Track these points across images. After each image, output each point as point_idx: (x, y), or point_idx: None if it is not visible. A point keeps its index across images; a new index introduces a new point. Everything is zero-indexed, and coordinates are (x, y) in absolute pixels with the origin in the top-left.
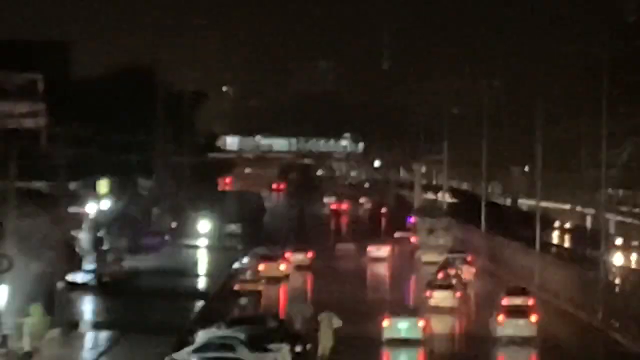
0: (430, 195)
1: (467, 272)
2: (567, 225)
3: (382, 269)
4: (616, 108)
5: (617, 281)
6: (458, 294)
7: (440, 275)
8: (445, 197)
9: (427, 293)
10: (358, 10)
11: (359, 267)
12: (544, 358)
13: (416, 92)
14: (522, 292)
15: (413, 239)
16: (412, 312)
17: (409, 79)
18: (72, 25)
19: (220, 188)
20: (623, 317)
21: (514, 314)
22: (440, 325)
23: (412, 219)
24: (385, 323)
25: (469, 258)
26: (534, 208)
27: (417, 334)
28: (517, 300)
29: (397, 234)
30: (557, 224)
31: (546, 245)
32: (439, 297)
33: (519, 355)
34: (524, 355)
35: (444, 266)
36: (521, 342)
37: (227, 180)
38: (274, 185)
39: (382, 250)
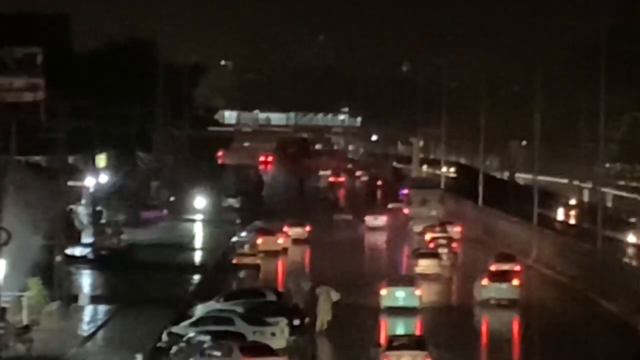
0: (428, 169)
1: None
2: (573, 202)
3: (377, 239)
4: (615, 82)
5: (630, 260)
6: (447, 261)
7: (431, 245)
8: (443, 171)
9: (414, 261)
10: None
11: (355, 237)
12: (528, 320)
13: (414, 66)
14: (510, 258)
15: (406, 210)
16: (410, 281)
17: (407, 53)
18: None
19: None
20: (617, 289)
21: (497, 277)
22: (426, 291)
23: (405, 191)
24: (384, 292)
25: (455, 228)
26: (532, 182)
27: (414, 302)
28: (505, 266)
29: (390, 205)
30: (562, 199)
31: (550, 220)
32: (424, 265)
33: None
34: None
35: (432, 234)
36: (503, 304)
37: (220, 153)
38: (262, 158)
39: (379, 220)
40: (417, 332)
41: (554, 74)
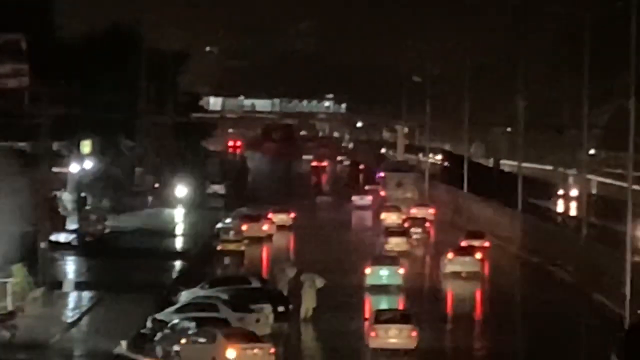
0: (413, 156)
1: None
2: (574, 193)
3: (356, 222)
4: (600, 69)
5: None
6: (417, 237)
7: (405, 224)
8: (428, 158)
9: (384, 239)
10: None
11: (336, 217)
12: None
13: (399, 53)
14: (479, 235)
15: (382, 193)
16: (393, 260)
17: (391, 40)
18: None
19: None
20: (600, 277)
21: (462, 252)
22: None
23: (382, 174)
24: (368, 271)
25: (429, 210)
26: (516, 169)
27: (397, 281)
28: (475, 242)
29: (367, 187)
30: (552, 188)
31: (538, 209)
32: (394, 243)
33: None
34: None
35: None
36: (466, 276)
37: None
38: (230, 143)
39: (365, 200)
40: (401, 307)
41: (539, 61)
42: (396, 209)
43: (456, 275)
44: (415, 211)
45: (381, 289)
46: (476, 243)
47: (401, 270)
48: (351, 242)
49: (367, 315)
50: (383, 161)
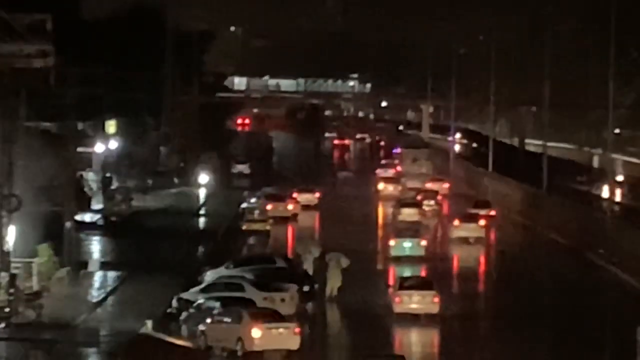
0: (437, 135)
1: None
2: (619, 178)
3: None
4: (625, 47)
5: None
6: (429, 208)
7: (418, 197)
8: (453, 137)
9: (397, 210)
10: None
11: (359, 192)
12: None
13: (424, 32)
14: (486, 204)
15: (398, 168)
16: (416, 232)
17: (417, 19)
18: None
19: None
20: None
21: (467, 219)
22: None
23: (398, 150)
24: (392, 242)
25: (444, 185)
26: (541, 148)
27: (420, 252)
28: (482, 211)
29: (383, 162)
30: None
31: (568, 190)
32: (406, 213)
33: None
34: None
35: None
36: (471, 242)
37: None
38: (239, 121)
39: (388, 172)
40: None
41: (565, 39)
42: (393, 180)
43: (463, 240)
44: (430, 185)
45: (403, 259)
46: (482, 212)
47: (423, 242)
48: (375, 217)
49: (391, 282)
50: (402, 138)
